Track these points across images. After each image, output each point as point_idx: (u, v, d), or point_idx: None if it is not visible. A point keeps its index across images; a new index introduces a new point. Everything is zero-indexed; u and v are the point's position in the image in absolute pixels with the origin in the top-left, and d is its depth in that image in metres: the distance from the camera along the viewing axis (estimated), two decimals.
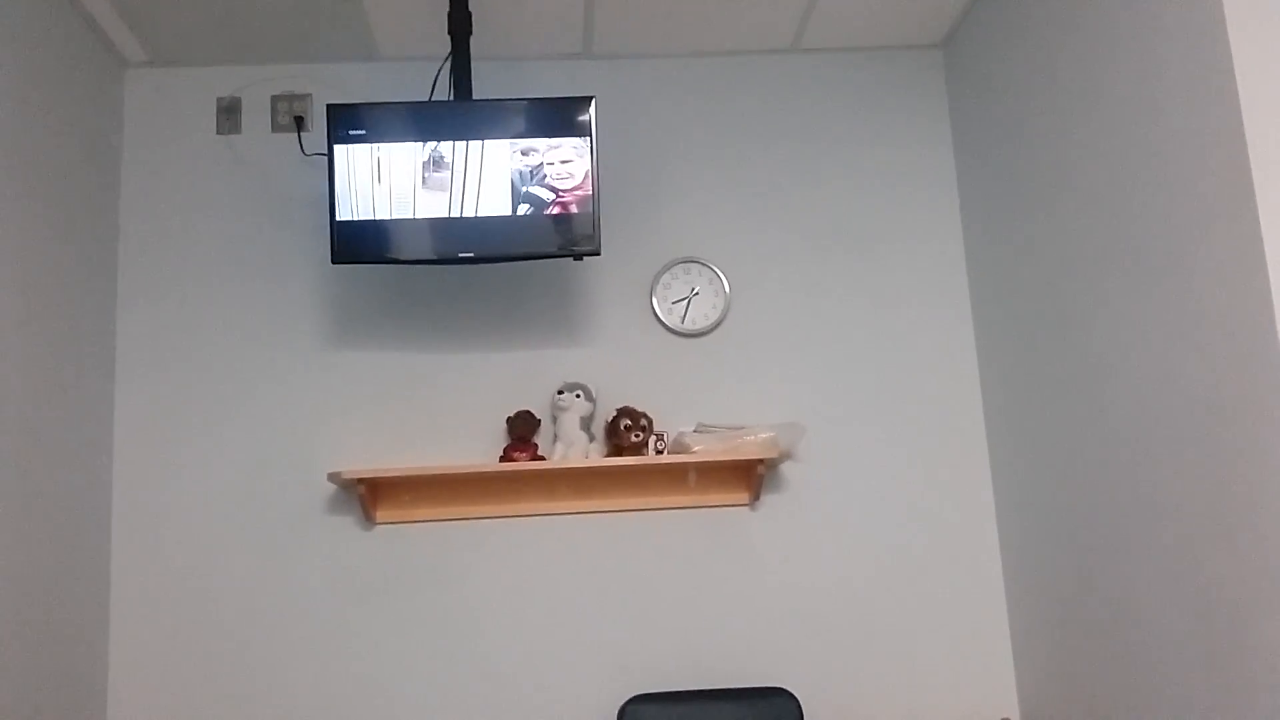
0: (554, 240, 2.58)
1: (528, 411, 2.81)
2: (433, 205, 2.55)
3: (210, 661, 2.75)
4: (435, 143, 2.56)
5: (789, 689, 2.77)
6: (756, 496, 2.86)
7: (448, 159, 2.55)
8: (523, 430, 2.79)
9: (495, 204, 2.56)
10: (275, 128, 2.98)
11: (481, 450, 2.86)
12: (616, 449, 2.79)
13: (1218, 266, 1.89)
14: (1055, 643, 2.59)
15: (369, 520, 2.81)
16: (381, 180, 2.55)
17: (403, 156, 2.56)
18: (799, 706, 2.69)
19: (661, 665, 2.80)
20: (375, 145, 2.56)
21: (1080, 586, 2.45)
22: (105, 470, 2.78)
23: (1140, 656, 2.20)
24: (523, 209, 2.57)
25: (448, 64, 2.73)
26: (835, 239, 3.01)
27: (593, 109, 2.59)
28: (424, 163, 2.55)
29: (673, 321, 2.94)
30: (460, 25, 2.68)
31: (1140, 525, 2.18)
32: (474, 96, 2.75)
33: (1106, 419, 2.30)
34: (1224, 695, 1.93)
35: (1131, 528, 2.22)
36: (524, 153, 2.58)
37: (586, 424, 2.79)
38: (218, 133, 2.98)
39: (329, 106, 2.59)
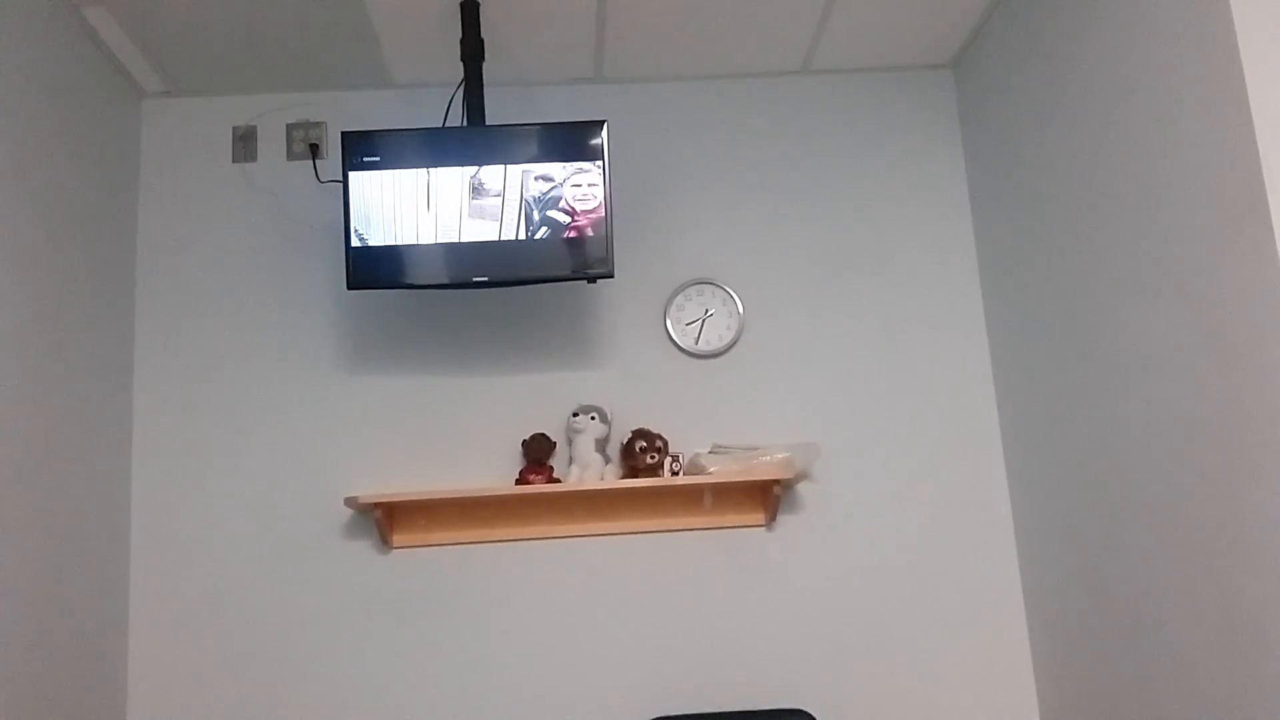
0: (568, 263, 2.59)
1: (543, 434, 2.82)
2: (480, 231, 2.56)
3: (228, 685, 2.75)
4: (476, 168, 2.57)
5: (807, 710, 2.76)
6: (773, 517, 2.85)
7: (488, 186, 2.56)
8: (538, 453, 2.80)
9: (509, 228, 2.58)
10: (290, 155, 3.01)
11: (497, 473, 2.86)
12: (632, 471, 2.79)
13: (1232, 279, 1.89)
14: (1075, 662, 2.57)
15: (385, 544, 2.81)
16: (429, 206, 2.56)
17: (441, 184, 2.58)
18: None
19: (680, 687, 2.79)
20: (393, 171, 2.58)
21: (1099, 601, 2.43)
22: (124, 495, 2.80)
23: (1159, 668, 2.19)
24: (537, 232, 2.58)
25: (461, 90, 2.75)
26: (848, 259, 3.02)
27: (605, 133, 2.61)
28: (469, 189, 2.57)
29: (687, 343, 2.95)
30: (473, 51, 2.70)
31: (1158, 537, 2.17)
32: (487, 122, 2.77)
33: (1123, 434, 2.29)
34: (1243, 704, 1.91)
35: (1149, 540, 2.21)
36: (537, 177, 2.59)
37: (602, 446, 2.79)
38: (233, 161, 3.01)
39: (344, 134, 2.61)
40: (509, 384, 2.92)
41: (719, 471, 2.71)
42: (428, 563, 2.82)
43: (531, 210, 2.58)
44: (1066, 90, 2.46)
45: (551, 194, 2.59)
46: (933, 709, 2.80)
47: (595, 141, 2.61)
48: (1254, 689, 1.89)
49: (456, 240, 2.57)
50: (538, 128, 2.61)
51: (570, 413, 2.82)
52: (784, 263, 3.01)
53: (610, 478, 2.78)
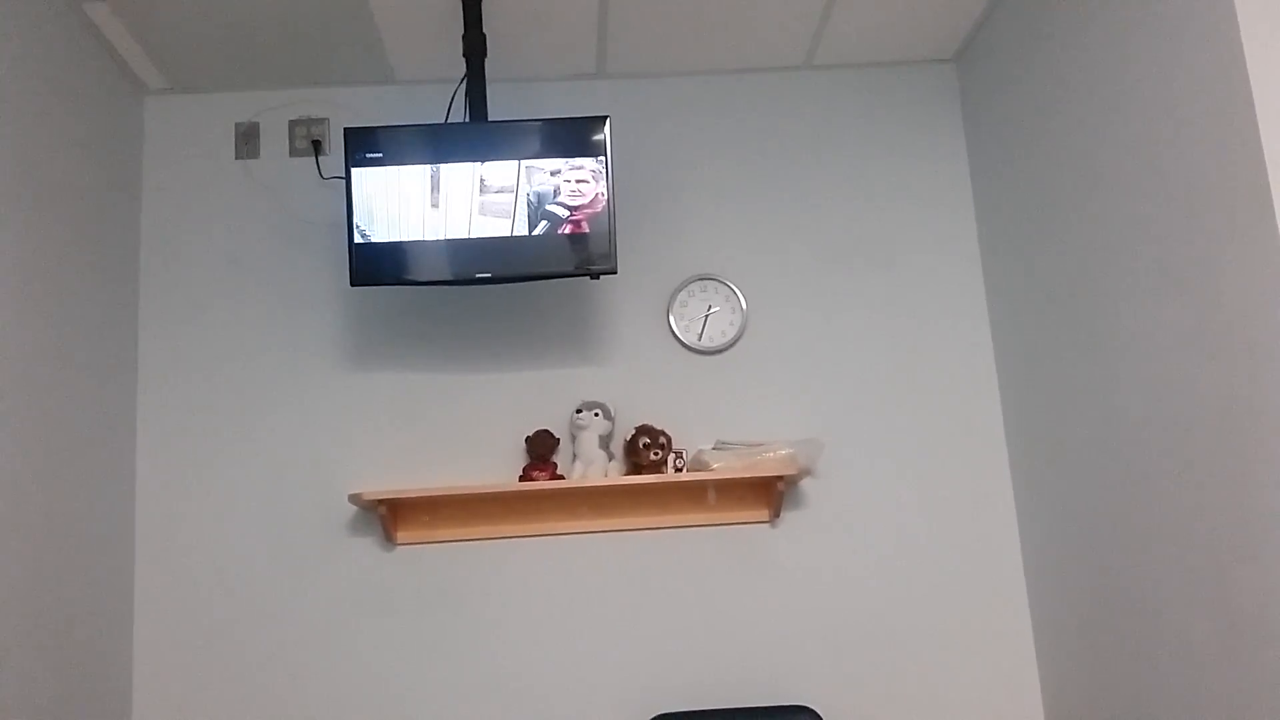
0: (571, 259, 2.59)
1: (546, 431, 2.82)
2: (491, 228, 2.56)
3: (233, 682, 2.75)
4: (479, 164, 2.57)
5: (812, 707, 2.76)
6: (776, 513, 2.85)
7: (494, 183, 2.56)
8: (542, 449, 2.80)
9: (521, 224, 2.57)
10: (293, 152, 3.01)
11: (501, 470, 2.86)
12: (635, 467, 2.79)
13: (1235, 274, 1.88)
14: (1080, 657, 2.57)
15: (390, 541, 2.81)
16: (436, 203, 2.56)
17: (450, 180, 2.57)
18: None
19: (683, 684, 2.79)
20: (396, 167, 2.58)
21: (1104, 599, 2.43)
22: (128, 492, 2.80)
23: (1165, 667, 2.18)
24: (539, 229, 2.58)
25: (463, 86, 2.75)
26: (851, 254, 3.01)
27: (607, 128, 2.61)
28: (478, 186, 2.56)
29: (690, 339, 2.94)
30: (475, 47, 2.70)
31: (1163, 534, 2.17)
32: (489, 118, 2.76)
33: (1127, 430, 2.28)
34: (1249, 701, 1.91)
35: (1154, 537, 2.20)
36: (540, 173, 2.59)
37: (605, 442, 2.79)
38: (236, 158, 3.01)
39: (346, 130, 2.60)
40: (512, 380, 2.92)
41: (722, 468, 2.71)
42: (432, 559, 2.82)
43: (534, 206, 2.58)
44: (1069, 84, 2.45)
45: (554, 190, 2.58)
46: (938, 705, 2.79)
47: (598, 137, 2.60)
48: (1257, 683, 1.89)
49: (465, 237, 2.56)
50: (540, 123, 2.61)
51: (574, 409, 2.82)
52: (787, 258, 3.00)
53: (614, 474, 2.78)
